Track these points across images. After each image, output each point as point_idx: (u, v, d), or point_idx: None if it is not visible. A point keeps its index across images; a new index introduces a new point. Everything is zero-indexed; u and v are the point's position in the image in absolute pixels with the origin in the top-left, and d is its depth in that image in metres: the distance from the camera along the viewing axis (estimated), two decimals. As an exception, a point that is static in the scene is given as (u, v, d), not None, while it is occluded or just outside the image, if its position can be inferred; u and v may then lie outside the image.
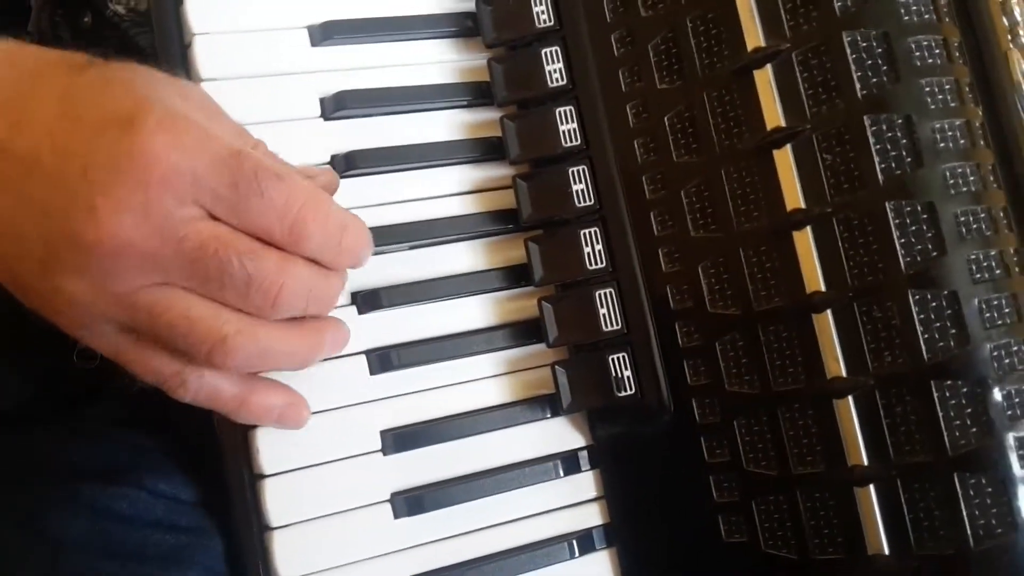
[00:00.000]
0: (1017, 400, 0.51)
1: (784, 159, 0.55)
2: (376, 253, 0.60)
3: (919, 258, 0.52)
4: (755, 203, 0.56)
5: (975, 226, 0.52)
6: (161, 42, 0.60)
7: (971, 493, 0.51)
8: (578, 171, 0.61)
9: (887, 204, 0.52)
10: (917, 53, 0.53)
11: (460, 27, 0.65)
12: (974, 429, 0.51)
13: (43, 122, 0.46)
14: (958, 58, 0.54)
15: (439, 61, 0.65)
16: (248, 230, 0.48)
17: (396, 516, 0.59)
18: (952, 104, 0.53)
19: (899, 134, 0.52)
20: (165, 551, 0.59)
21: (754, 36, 0.55)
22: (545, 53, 0.62)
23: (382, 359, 0.60)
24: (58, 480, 0.60)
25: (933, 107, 0.52)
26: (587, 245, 0.61)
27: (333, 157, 0.61)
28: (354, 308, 0.60)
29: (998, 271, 0.52)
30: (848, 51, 0.53)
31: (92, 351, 0.51)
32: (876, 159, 0.52)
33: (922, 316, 0.52)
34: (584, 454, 0.63)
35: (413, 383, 0.61)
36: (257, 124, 0.59)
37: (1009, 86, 0.54)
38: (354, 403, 0.59)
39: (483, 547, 0.60)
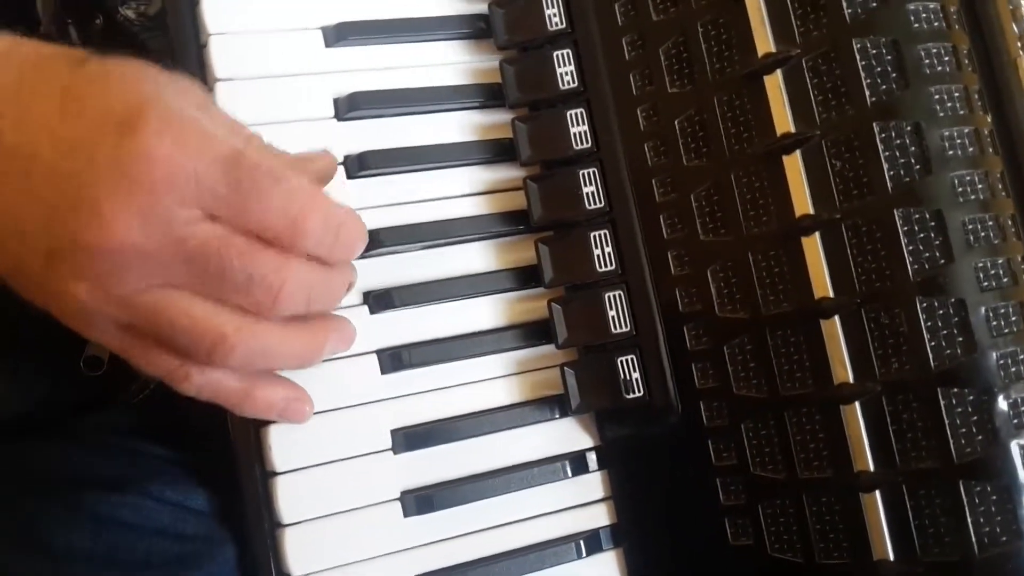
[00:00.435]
0: (1023, 408, 0.51)
1: (793, 164, 0.55)
2: (388, 253, 0.61)
3: (927, 265, 0.52)
4: (764, 208, 0.56)
5: (983, 234, 0.52)
6: (177, 42, 0.61)
7: (976, 500, 0.51)
8: (588, 173, 0.61)
9: (895, 211, 0.52)
10: (927, 60, 0.53)
11: (472, 29, 0.65)
12: (980, 437, 0.51)
13: (44, 118, 0.46)
14: (967, 65, 0.53)
15: (451, 62, 0.65)
16: (248, 229, 0.48)
17: (406, 515, 0.59)
18: (961, 111, 0.53)
19: (908, 141, 0.52)
20: (171, 559, 0.59)
21: (764, 41, 0.55)
22: (557, 56, 0.62)
23: (393, 359, 0.60)
24: (62, 489, 0.60)
25: (942, 114, 0.52)
26: (597, 247, 0.61)
27: (346, 157, 0.61)
28: (366, 308, 0.60)
29: (1006, 279, 0.52)
30: (858, 58, 0.53)
31: (98, 360, 0.51)
32: (885, 166, 0.52)
33: (929, 323, 0.52)
34: (592, 455, 0.63)
35: (423, 383, 0.61)
36: (271, 124, 0.60)
37: (1019, 93, 0.54)
38: (365, 402, 0.60)
39: (491, 546, 0.61)
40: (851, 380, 0.54)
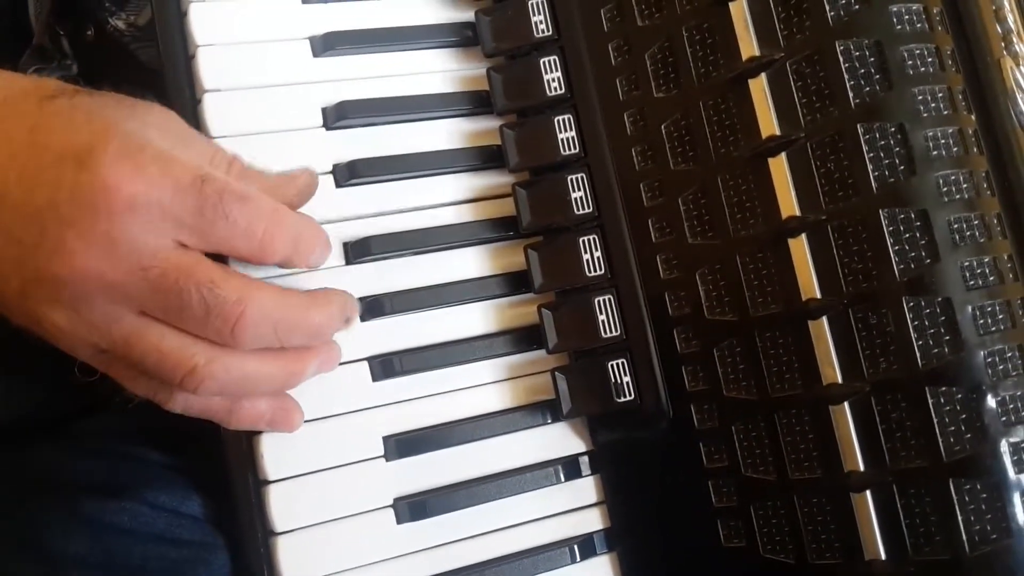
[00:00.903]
0: (1011, 406, 0.52)
1: (779, 167, 0.55)
2: (378, 260, 0.61)
3: (913, 265, 0.52)
4: (751, 210, 0.56)
5: (968, 233, 0.52)
6: (165, 54, 0.61)
7: (966, 499, 0.51)
8: (577, 179, 0.62)
9: (881, 211, 0.52)
10: (910, 61, 0.53)
11: (460, 37, 0.66)
12: (969, 435, 0.51)
13: (12, 158, 0.47)
14: (951, 66, 0.54)
15: (439, 71, 0.66)
16: (215, 252, 0.49)
17: (399, 521, 0.59)
18: (945, 112, 0.53)
19: (892, 142, 0.53)
20: (167, 565, 0.59)
21: (748, 45, 0.56)
22: (544, 62, 0.63)
23: (384, 365, 0.60)
24: (58, 495, 0.61)
25: (926, 115, 0.53)
26: (586, 252, 0.61)
27: (335, 166, 0.62)
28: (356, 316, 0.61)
29: (992, 278, 0.52)
30: (841, 60, 0.53)
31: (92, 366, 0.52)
32: (870, 167, 0.53)
33: (916, 323, 0.52)
34: (585, 459, 0.63)
35: (415, 389, 0.61)
36: (260, 134, 0.60)
37: (1002, 93, 0.54)
38: (357, 409, 0.60)
39: (485, 552, 0.61)
40: (839, 380, 0.54)
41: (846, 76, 0.53)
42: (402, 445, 0.60)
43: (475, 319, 0.63)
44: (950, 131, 0.53)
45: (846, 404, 0.54)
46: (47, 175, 0.46)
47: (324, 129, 0.62)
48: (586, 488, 0.63)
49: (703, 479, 0.59)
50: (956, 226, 0.52)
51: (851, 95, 0.53)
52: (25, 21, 0.69)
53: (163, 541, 0.60)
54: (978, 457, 0.51)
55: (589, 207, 0.61)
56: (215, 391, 0.51)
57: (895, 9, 0.53)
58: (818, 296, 0.54)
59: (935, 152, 0.52)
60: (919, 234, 0.52)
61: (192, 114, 0.60)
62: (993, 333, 0.52)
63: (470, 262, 0.64)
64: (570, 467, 0.63)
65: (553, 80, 0.63)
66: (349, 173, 0.61)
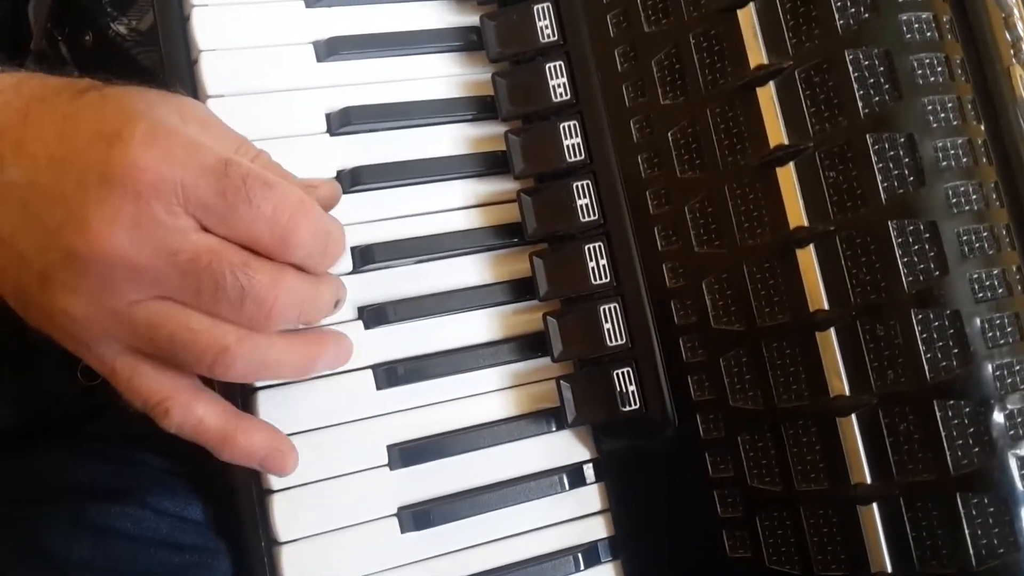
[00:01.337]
0: (1019, 420, 0.51)
1: (787, 176, 0.55)
2: (382, 268, 0.61)
3: (921, 277, 0.52)
4: (758, 220, 0.56)
5: (977, 245, 0.52)
6: (168, 59, 0.61)
7: (973, 513, 0.51)
8: (582, 186, 0.61)
9: (890, 223, 0.52)
10: (919, 71, 0.52)
11: (464, 42, 0.65)
12: (976, 449, 0.51)
13: (43, 142, 0.47)
14: (960, 75, 0.53)
15: (443, 76, 0.65)
16: (238, 239, 0.48)
17: (403, 530, 0.59)
18: (954, 122, 0.52)
19: (901, 152, 0.52)
20: (170, 570, 0.59)
21: (757, 53, 0.55)
22: (549, 68, 0.62)
23: (388, 374, 0.60)
24: (61, 499, 0.61)
25: (935, 125, 0.52)
26: (591, 260, 0.61)
27: (339, 172, 0.61)
28: (360, 323, 0.60)
29: (1000, 290, 0.52)
30: (850, 69, 0.53)
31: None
32: (878, 177, 0.52)
33: (924, 335, 0.52)
34: (589, 467, 0.63)
35: (419, 397, 0.61)
36: (263, 140, 0.59)
37: (1012, 102, 0.53)
38: (361, 418, 0.60)
39: (489, 561, 0.61)
40: (847, 392, 0.54)
41: (855, 85, 0.53)
42: (406, 454, 0.60)
43: (479, 327, 0.63)
44: (959, 141, 0.52)
45: (853, 416, 0.53)
46: (77, 157, 0.47)
47: (328, 135, 0.62)
48: (590, 496, 0.63)
49: (708, 489, 0.59)
50: (965, 238, 0.52)
51: (860, 104, 0.53)
52: (26, 27, 0.68)
53: (166, 546, 0.60)
54: (986, 471, 0.51)
55: (595, 214, 0.61)
56: (243, 373, 0.50)
57: (905, 18, 0.53)
58: (826, 307, 0.54)
59: (944, 163, 0.52)
60: (928, 246, 0.52)
61: (195, 120, 0.59)
62: (1002, 346, 0.52)
63: (474, 269, 0.63)
64: (575, 475, 0.63)
65: (558, 86, 0.62)
66: (353, 180, 0.61)
